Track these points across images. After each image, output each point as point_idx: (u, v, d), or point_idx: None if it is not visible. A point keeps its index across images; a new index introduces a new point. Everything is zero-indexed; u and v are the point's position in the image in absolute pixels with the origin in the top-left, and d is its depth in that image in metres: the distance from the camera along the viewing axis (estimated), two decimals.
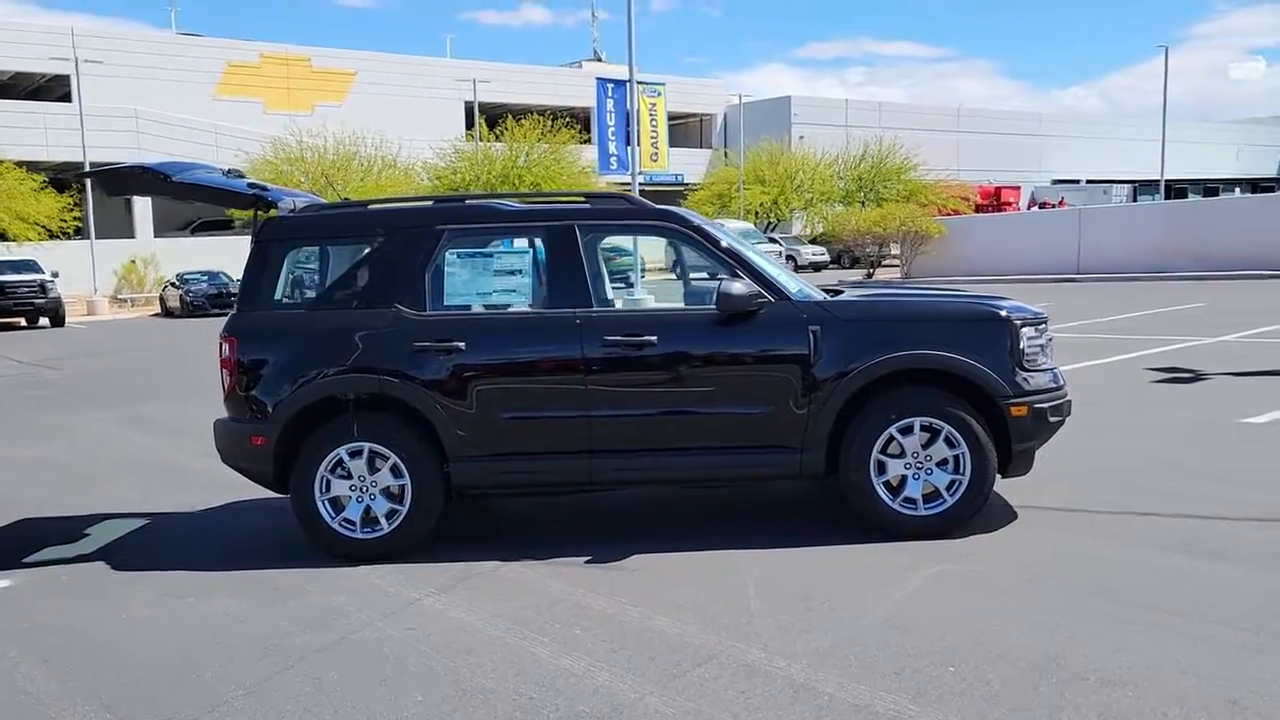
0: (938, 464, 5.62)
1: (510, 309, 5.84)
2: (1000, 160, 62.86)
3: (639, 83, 24.56)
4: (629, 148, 25.36)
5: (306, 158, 40.09)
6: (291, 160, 39.50)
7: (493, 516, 6.70)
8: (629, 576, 5.26)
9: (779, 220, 49.84)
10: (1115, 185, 59.77)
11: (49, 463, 9.43)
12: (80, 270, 36.58)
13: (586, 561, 5.52)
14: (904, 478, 5.64)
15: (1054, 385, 5.80)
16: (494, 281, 5.87)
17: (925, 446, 5.62)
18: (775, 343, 5.65)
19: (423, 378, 5.65)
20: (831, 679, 3.95)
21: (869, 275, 37.51)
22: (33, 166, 38.49)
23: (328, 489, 5.71)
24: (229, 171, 6.35)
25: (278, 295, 5.93)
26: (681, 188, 51.56)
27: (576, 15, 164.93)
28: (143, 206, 43.31)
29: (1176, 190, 59.80)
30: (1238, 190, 66.03)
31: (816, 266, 42.08)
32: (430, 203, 6.37)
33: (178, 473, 8.68)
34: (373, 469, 5.70)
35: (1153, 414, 8.96)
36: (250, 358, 5.79)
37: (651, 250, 35.22)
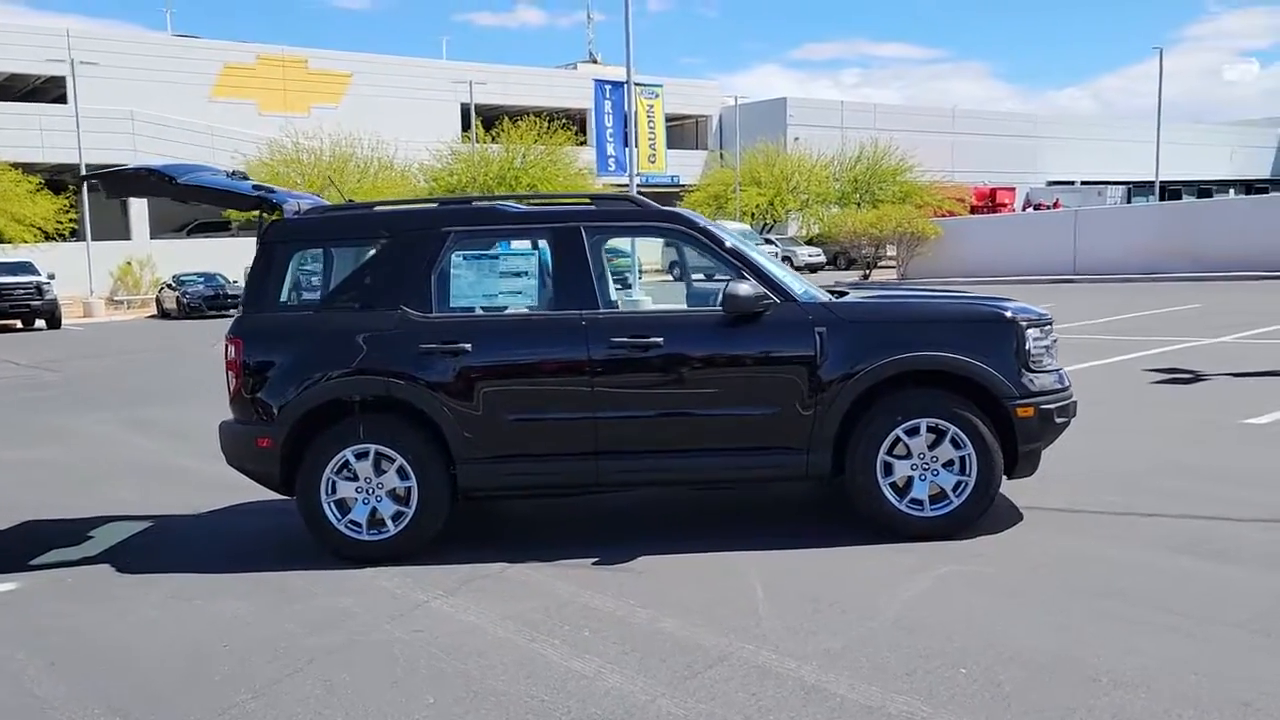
0: (944, 465, 5.63)
1: (516, 311, 5.84)
2: (995, 162, 62.96)
3: (637, 84, 24.58)
4: (627, 149, 25.38)
5: (303, 159, 40.06)
6: (288, 162, 39.47)
7: (497, 518, 6.70)
8: (636, 578, 5.26)
9: (775, 221, 49.88)
10: (1110, 187, 59.88)
11: (48, 465, 9.41)
12: (76, 272, 36.49)
13: (593, 563, 5.52)
14: (910, 479, 5.65)
15: (1059, 386, 5.81)
16: (500, 283, 5.87)
17: (931, 448, 5.62)
18: (781, 344, 5.65)
19: (429, 380, 5.64)
20: (843, 680, 3.95)
21: (865, 276, 37.55)
22: (28, 168, 38.42)
23: (334, 491, 5.70)
24: (233, 174, 6.34)
25: (283, 297, 5.92)
26: (677, 189, 51.58)
27: (572, 17, 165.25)
28: (139, 208, 43.23)
29: (1171, 192, 59.92)
30: (1231, 192, 66.10)
31: (812, 268, 42.12)
32: (435, 204, 6.37)
33: (178, 474, 8.67)
34: (379, 471, 5.70)
35: (1154, 414, 8.98)
36: (256, 360, 5.78)
37: (648, 252, 35.27)
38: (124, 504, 7.58)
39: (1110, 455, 7.32)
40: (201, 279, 34.68)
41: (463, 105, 50.49)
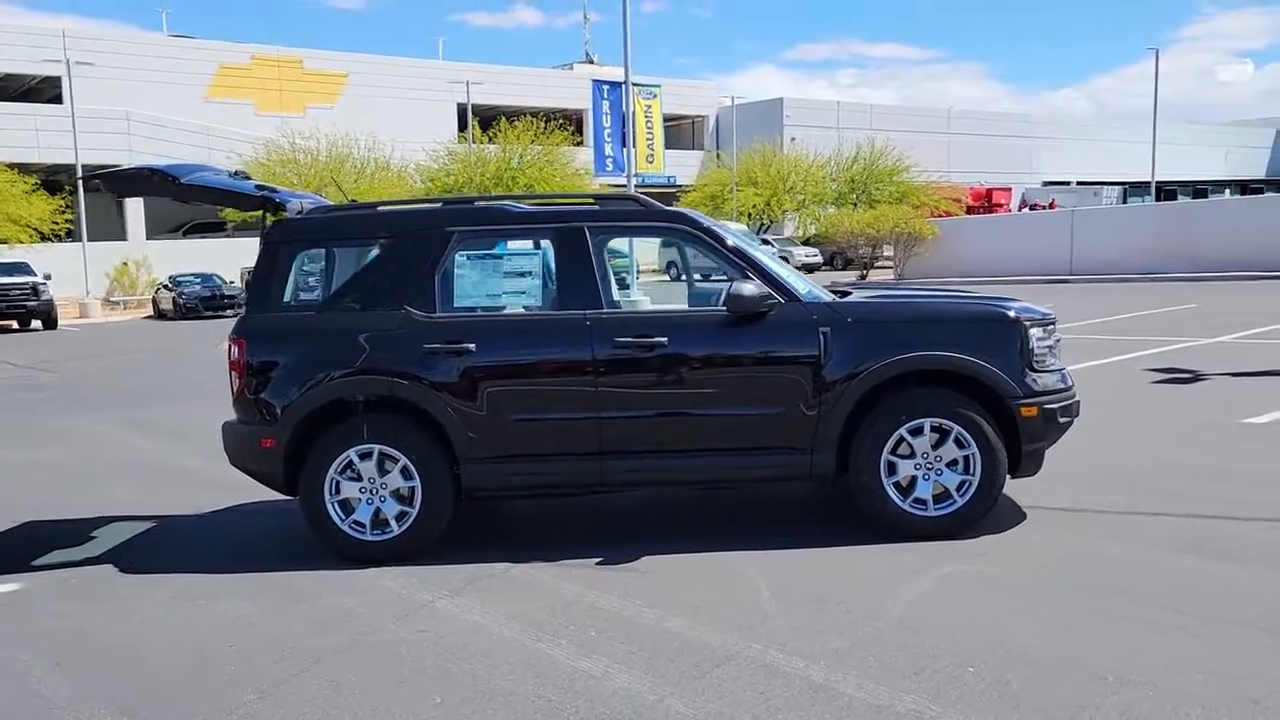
0: (948, 465, 5.63)
1: (520, 310, 5.84)
2: (991, 162, 63.03)
3: (635, 84, 24.58)
4: (625, 150, 25.38)
5: (299, 160, 40.00)
6: (284, 162, 39.43)
7: (500, 518, 6.70)
8: (641, 578, 5.26)
9: (772, 222, 49.90)
10: (1105, 187, 59.99)
11: (46, 465, 9.40)
12: (72, 273, 36.42)
13: (597, 563, 5.52)
14: (914, 478, 5.65)
15: (1063, 386, 5.82)
16: (503, 283, 5.86)
17: (935, 447, 5.63)
18: (786, 344, 5.66)
19: (433, 379, 5.64)
20: (850, 679, 3.95)
21: (862, 277, 37.56)
22: (24, 168, 38.35)
23: (338, 491, 5.69)
24: (236, 173, 6.33)
25: (287, 297, 5.91)
26: (674, 189, 51.59)
27: (568, 17, 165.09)
28: (134, 209, 43.15)
29: (1166, 192, 60.08)
30: (1227, 192, 66.34)
31: (809, 268, 42.07)
32: (439, 204, 6.37)
33: (177, 474, 8.66)
34: (383, 471, 5.69)
35: (1154, 414, 8.99)
36: (260, 360, 5.77)
37: (644, 253, 35.25)
38: (124, 504, 7.57)
39: (1112, 455, 7.33)
40: (198, 280, 34.64)
41: (459, 105, 50.44)
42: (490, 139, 44.18)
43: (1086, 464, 6.92)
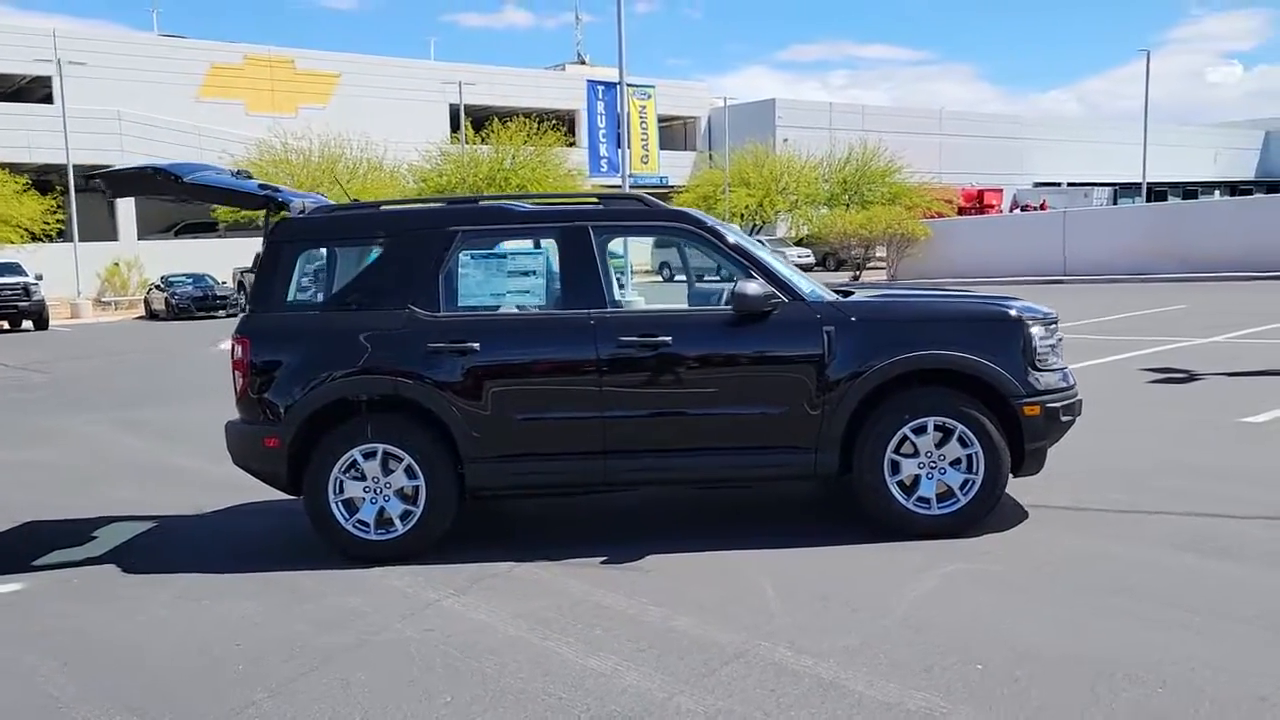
0: (951, 463, 5.65)
1: (524, 310, 5.84)
2: (982, 163, 63.18)
3: (629, 85, 24.60)
4: (620, 150, 25.40)
5: (291, 160, 39.91)
6: (276, 163, 39.34)
7: (503, 517, 6.70)
8: (646, 577, 5.27)
9: (764, 222, 49.94)
10: (1096, 188, 60.19)
11: (41, 466, 9.37)
12: (63, 273, 36.30)
13: (602, 562, 5.52)
14: (917, 477, 5.67)
15: (1065, 385, 5.84)
16: (507, 282, 5.87)
17: (939, 446, 5.64)
18: (790, 343, 5.67)
19: (437, 379, 5.64)
20: (860, 677, 3.96)
21: (855, 278, 37.60)
22: (15, 168, 38.20)
23: (341, 490, 5.69)
24: (238, 173, 6.33)
25: (290, 296, 5.90)
26: (667, 190, 51.61)
27: (558, 18, 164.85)
28: (126, 209, 43.00)
29: (1157, 193, 60.31)
30: (1217, 193, 66.60)
31: (802, 269, 42.11)
32: (443, 204, 6.37)
33: (175, 475, 8.64)
34: (386, 470, 5.69)
35: (1152, 414, 9.03)
36: (263, 359, 5.76)
37: (638, 253, 35.26)
38: (123, 504, 7.55)
39: (1112, 454, 7.36)
40: (190, 280, 34.54)
41: (451, 106, 50.38)
42: (483, 139, 44.15)
43: (1087, 463, 6.95)
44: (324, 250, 6.09)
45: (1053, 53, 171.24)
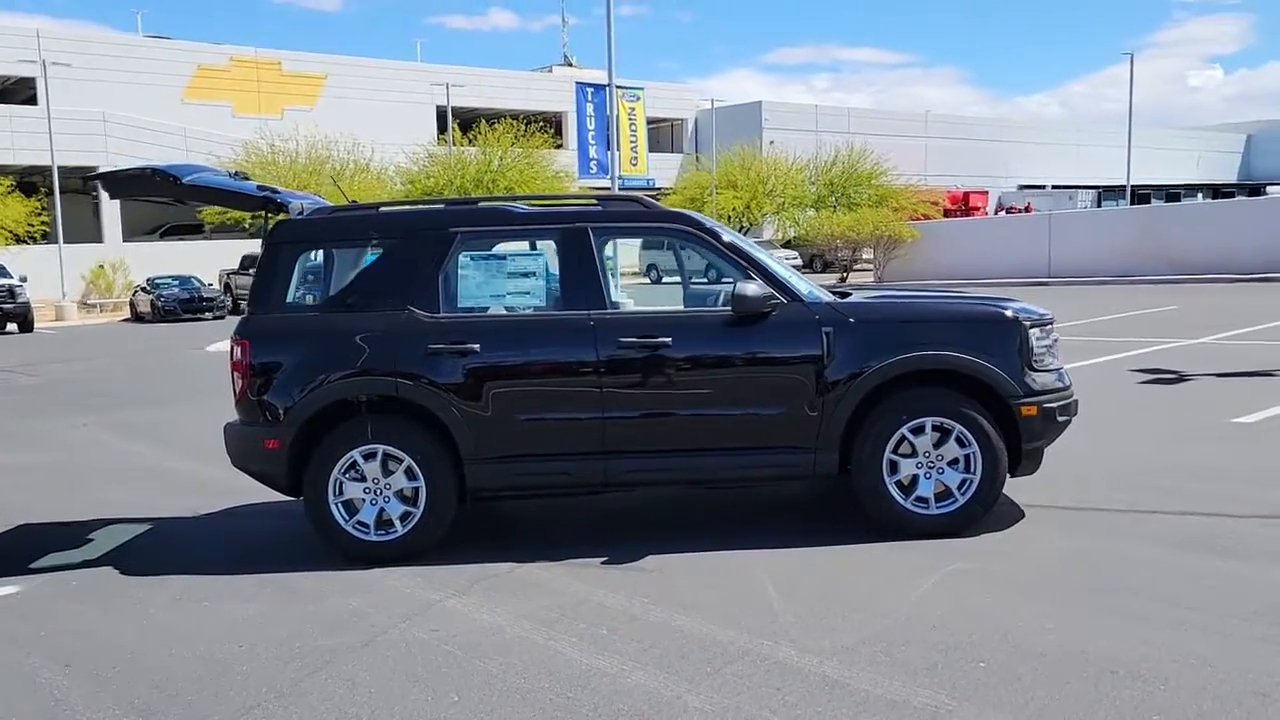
0: (949, 463, 5.69)
1: (524, 311, 5.86)
2: (967, 166, 63.43)
3: (618, 87, 24.62)
4: (609, 152, 25.42)
5: (278, 162, 39.76)
6: (264, 164, 39.17)
7: (503, 517, 6.70)
8: (647, 576, 5.28)
9: (751, 224, 50.01)
10: (1080, 191, 60.51)
11: (33, 468, 9.33)
12: (48, 275, 36.09)
13: (602, 562, 5.54)
14: (916, 477, 5.70)
15: (1061, 385, 5.89)
16: (507, 283, 5.87)
17: (937, 446, 5.68)
18: (789, 344, 5.69)
19: (437, 380, 5.64)
20: (864, 675, 3.99)
21: (842, 279, 37.72)
22: None
23: (341, 492, 5.69)
24: (235, 174, 6.32)
25: (290, 298, 5.90)
26: (654, 192, 51.65)
27: (544, 20, 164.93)
28: (111, 211, 42.76)
29: (1140, 196, 60.64)
30: (1199, 196, 67.08)
31: None
32: (442, 205, 6.37)
33: (168, 477, 8.62)
34: (387, 471, 5.69)
35: (1144, 414, 9.09)
36: (263, 361, 5.75)
37: (626, 255, 35.29)
38: (117, 506, 7.52)
39: (1107, 454, 7.41)
40: (176, 282, 34.36)
41: (438, 108, 50.28)
42: (470, 141, 44.06)
43: (1082, 463, 7.00)
44: (323, 252, 6.08)
45: (1036, 57, 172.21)
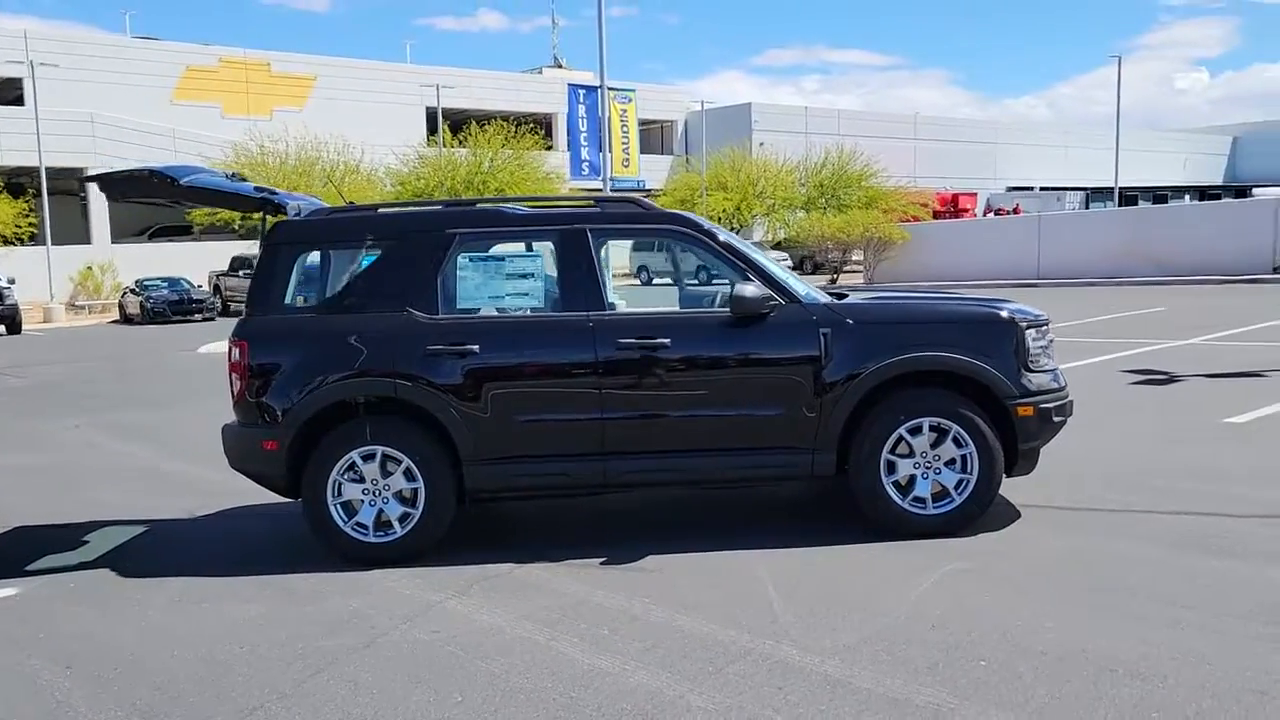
0: (946, 463, 5.72)
1: (523, 312, 5.87)
2: (956, 167, 63.61)
3: (610, 89, 24.64)
4: (601, 154, 25.44)
5: (268, 163, 39.66)
6: (253, 165, 39.06)
7: (502, 518, 6.71)
8: (647, 577, 5.30)
9: (741, 226, 50.06)
10: (1068, 193, 60.75)
11: (24, 470, 9.30)
12: (36, 277, 35.96)
13: (602, 563, 5.55)
14: (913, 477, 5.73)
15: (1057, 385, 5.92)
16: (505, 285, 5.89)
17: (934, 446, 5.71)
18: (787, 345, 5.72)
19: (436, 381, 5.65)
20: (866, 674, 4.01)
21: (832, 281, 37.80)
22: None
23: (340, 493, 5.69)
24: (232, 176, 6.31)
25: (288, 299, 5.89)
26: (644, 194, 51.63)
27: (533, 22, 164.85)
28: (99, 212, 42.58)
29: (1127, 197, 60.88)
30: (1186, 197, 67.35)
31: None
32: (440, 206, 6.38)
33: (158, 478, 8.61)
34: (385, 473, 5.69)
35: (1136, 415, 9.14)
36: (261, 362, 5.75)
37: (617, 256, 35.24)
38: (111, 508, 7.50)
39: (1101, 454, 7.45)
40: (165, 284, 34.27)
41: (429, 109, 50.23)
42: (460, 142, 44.00)
43: (1077, 463, 7.04)
44: (321, 253, 6.08)
45: (1023, 59, 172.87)
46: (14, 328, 30.09)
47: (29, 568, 6.04)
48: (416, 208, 6.58)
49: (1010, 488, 6.26)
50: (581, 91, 27.74)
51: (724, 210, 48.83)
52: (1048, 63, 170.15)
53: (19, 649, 4.74)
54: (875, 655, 4.19)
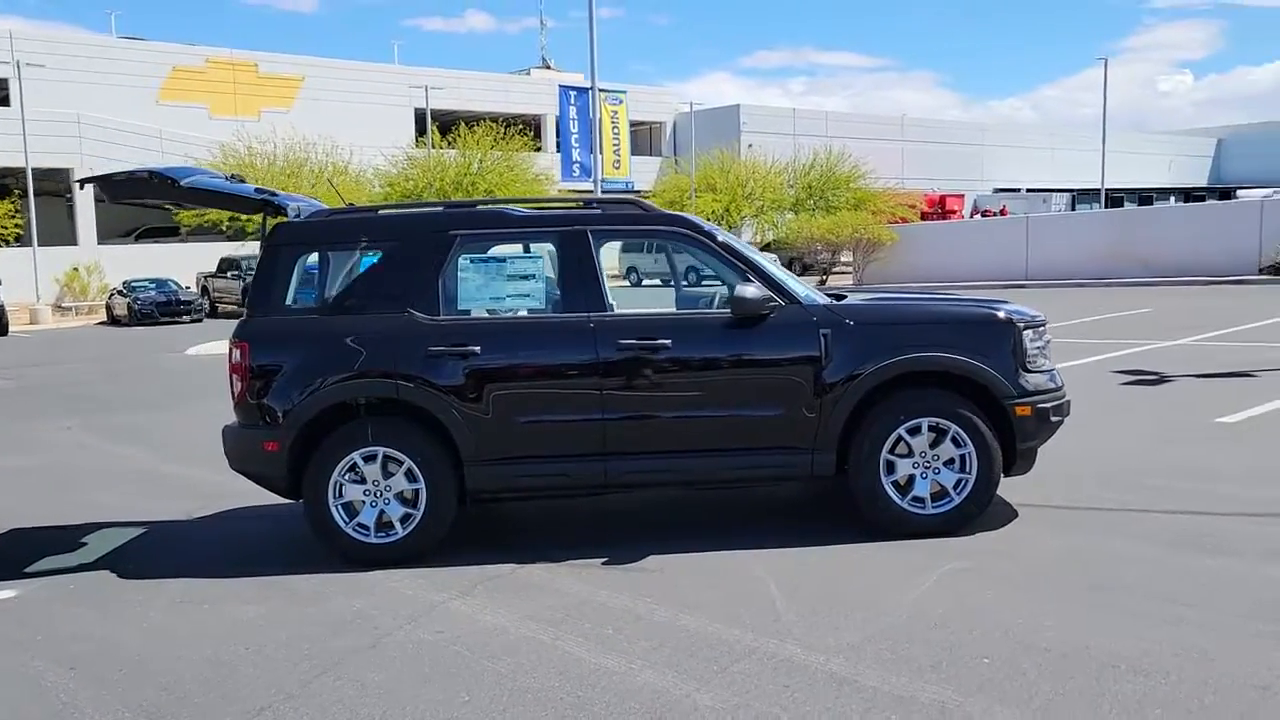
0: (945, 463, 5.76)
1: (524, 313, 5.88)
2: (943, 169, 63.80)
3: (601, 90, 24.65)
4: (592, 155, 25.44)
5: (256, 164, 39.52)
6: (241, 166, 38.91)
7: (503, 519, 6.72)
8: (649, 577, 5.32)
9: (731, 227, 50.12)
10: (1055, 194, 61.02)
11: (18, 472, 9.27)
12: (22, 278, 35.71)
13: (604, 563, 5.57)
14: (912, 477, 5.77)
15: (1054, 385, 5.97)
16: (506, 286, 5.90)
17: (933, 446, 5.75)
18: (787, 346, 5.75)
19: (437, 382, 5.66)
20: (871, 672, 4.04)
21: (822, 282, 37.90)
22: None
23: (341, 494, 5.69)
24: (231, 177, 6.31)
25: (289, 300, 5.90)
26: (637, 194, 51.64)
27: (520, 23, 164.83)
28: (85, 213, 42.31)
29: (1113, 199, 61.19)
30: (1171, 199, 67.72)
31: None
32: (441, 207, 6.38)
33: (152, 480, 8.59)
34: (387, 474, 5.70)
35: (1130, 415, 9.20)
36: (262, 363, 5.75)
37: (606, 258, 35.25)
38: (108, 510, 7.49)
39: (1095, 454, 7.50)
40: (154, 285, 34.11)
41: (417, 110, 50.08)
42: (449, 144, 43.92)
43: (1073, 463, 7.08)
44: (321, 254, 6.08)
45: (1009, 61, 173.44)
46: (1, 329, 29.94)
47: (28, 569, 6.03)
48: (417, 209, 6.57)
49: (1007, 487, 6.29)
50: (573, 93, 27.75)
51: (713, 212, 48.83)
52: (1032, 65, 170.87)
53: (22, 651, 4.73)
54: (879, 653, 4.21)
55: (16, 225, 37.18)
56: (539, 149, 47.75)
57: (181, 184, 5.78)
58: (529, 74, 61.63)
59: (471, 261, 5.89)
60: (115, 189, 6.10)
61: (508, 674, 4.20)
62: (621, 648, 4.41)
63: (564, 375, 5.73)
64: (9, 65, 38.20)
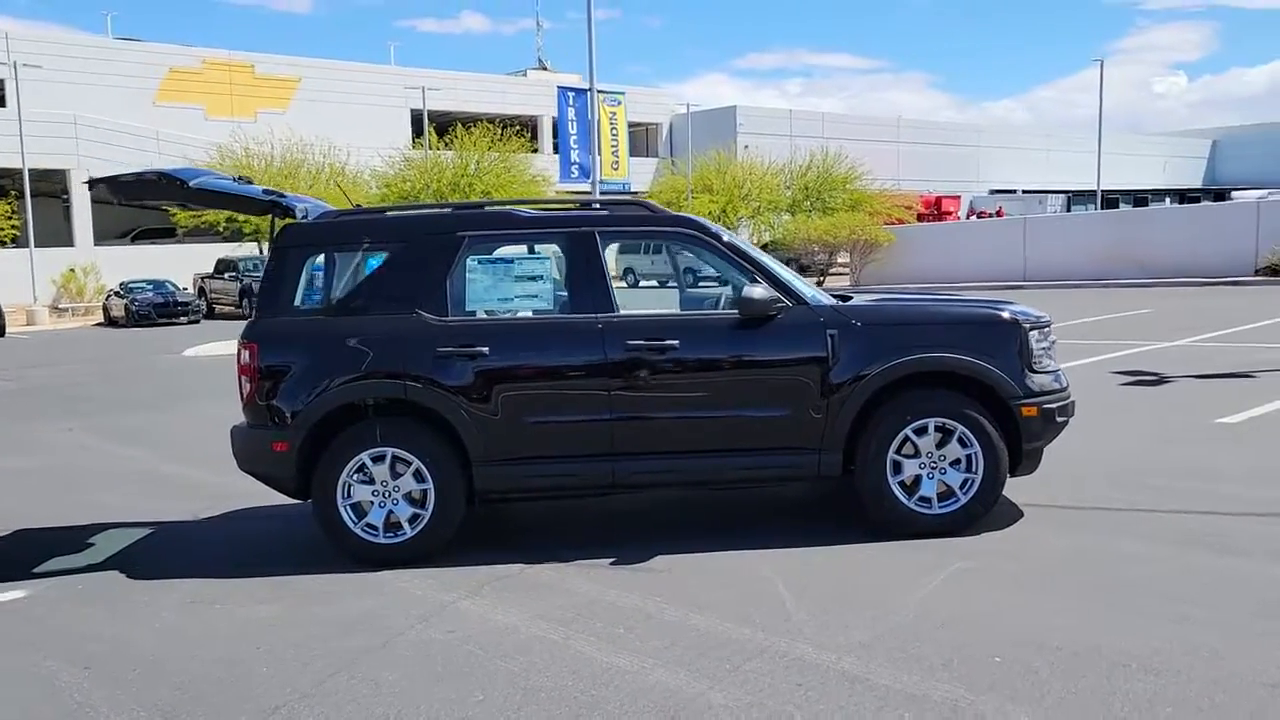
0: (951, 463, 5.78)
1: (532, 314, 5.90)
2: (939, 170, 63.91)
3: (600, 91, 24.67)
4: (590, 156, 25.46)
5: (253, 165, 39.47)
6: (238, 167, 38.89)
7: (511, 519, 6.74)
8: (658, 577, 5.34)
9: (727, 228, 50.17)
10: (1050, 195, 61.14)
11: (22, 473, 9.27)
12: (18, 279, 35.71)
13: (612, 563, 5.59)
14: (919, 477, 5.79)
15: (1059, 386, 6.00)
16: (515, 287, 5.92)
17: (939, 446, 5.77)
18: (794, 346, 5.77)
19: (446, 383, 5.68)
20: (883, 671, 4.06)
21: (819, 283, 37.89)
22: None
23: (350, 494, 5.71)
24: (239, 178, 6.32)
25: (297, 301, 5.91)
26: (630, 196, 51.65)
27: (516, 24, 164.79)
28: (82, 214, 42.30)
29: (1108, 200, 61.33)
30: (1167, 200, 67.89)
31: None
32: (449, 209, 6.40)
33: (155, 480, 8.59)
34: (395, 474, 5.71)
35: (1130, 416, 9.24)
36: (271, 364, 5.76)
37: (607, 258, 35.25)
38: (114, 510, 7.50)
39: (1099, 454, 7.53)
40: (151, 286, 34.07)
41: (413, 111, 50.11)
42: (446, 145, 43.92)
43: (1078, 463, 7.11)
44: (330, 255, 6.09)
45: (1004, 62, 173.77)
46: None
47: (36, 570, 6.03)
48: (425, 210, 6.58)
49: (1013, 488, 6.32)
50: (571, 94, 27.73)
51: (710, 213, 48.83)
52: (1027, 67, 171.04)
53: (34, 651, 4.74)
54: (890, 652, 4.24)
55: (13, 226, 37.12)
56: (535, 150, 47.78)
57: (190, 185, 5.79)
58: (525, 75, 61.70)
59: (479, 263, 5.91)
60: (124, 190, 6.11)
61: (520, 673, 4.22)
62: (633, 647, 4.43)
63: (572, 376, 5.75)
64: (6, 66, 38.19)
